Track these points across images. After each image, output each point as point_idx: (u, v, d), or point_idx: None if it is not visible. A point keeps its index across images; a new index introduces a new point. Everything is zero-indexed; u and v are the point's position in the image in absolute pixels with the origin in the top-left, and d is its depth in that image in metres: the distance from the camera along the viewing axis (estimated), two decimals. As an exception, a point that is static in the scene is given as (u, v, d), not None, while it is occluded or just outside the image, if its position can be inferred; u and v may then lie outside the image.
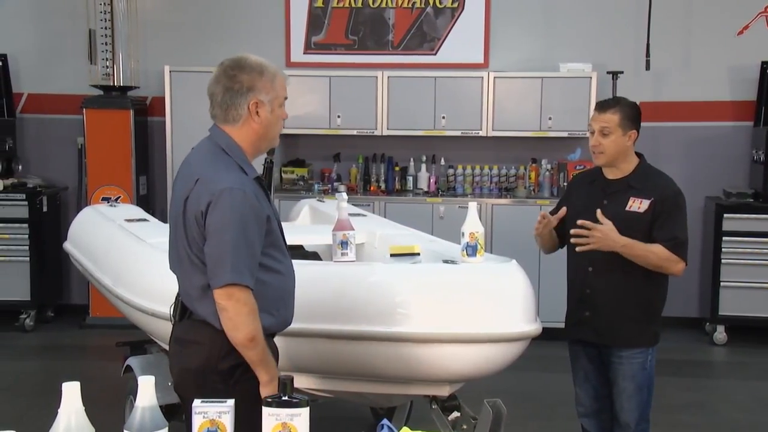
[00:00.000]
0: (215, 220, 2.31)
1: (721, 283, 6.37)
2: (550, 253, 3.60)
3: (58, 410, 1.65)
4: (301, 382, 3.13)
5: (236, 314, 2.30)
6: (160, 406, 1.75)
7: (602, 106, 3.29)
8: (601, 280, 3.28)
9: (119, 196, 6.56)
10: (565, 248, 3.52)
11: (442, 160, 6.88)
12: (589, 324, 3.33)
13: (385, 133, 6.62)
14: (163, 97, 6.67)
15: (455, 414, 3.13)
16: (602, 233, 3.14)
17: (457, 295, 3.02)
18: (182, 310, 2.51)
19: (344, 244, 3.48)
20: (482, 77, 6.52)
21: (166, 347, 2.82)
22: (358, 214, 4.56)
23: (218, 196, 2.31)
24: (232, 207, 2.30)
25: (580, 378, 3.46)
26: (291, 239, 3.03)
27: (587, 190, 3.40)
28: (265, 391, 2.33)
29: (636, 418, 3.29)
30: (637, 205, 3.21)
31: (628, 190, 3.26)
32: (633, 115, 3.27)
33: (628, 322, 3.27)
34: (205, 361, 2.39)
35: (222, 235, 2.31)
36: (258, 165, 2.57)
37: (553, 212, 3.55)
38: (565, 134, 6.52)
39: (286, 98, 2.52)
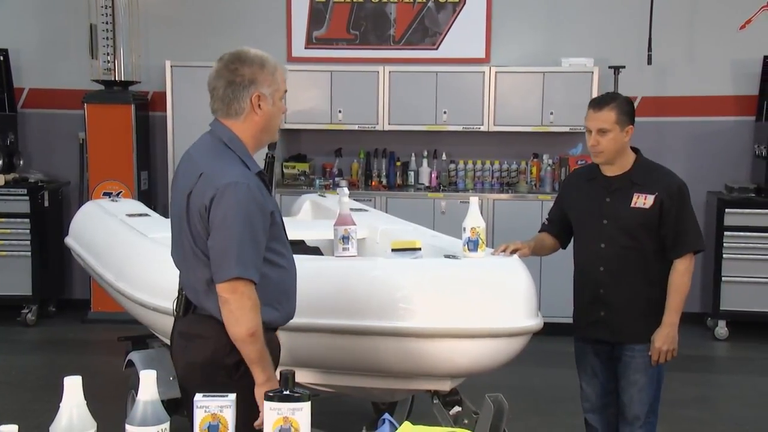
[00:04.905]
0: (219, 214, 2.31)
1: (723, 278, 6.37)
2: (550, 253, 3.60)
3: (60, 404, 1.65)
4: (302, 376, 3.13)
5: (238, 308, 2.29)
6: (162, 401, 1.75)
7: (597, 104, 3.23)
8: (614, 278, 3.26)
9: (121, 191, 6.57)
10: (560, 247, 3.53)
11: (444, 155, 6.87)
12: (604, 323, 3.30)
13: (387, 128, 6.61)
14: (165, 92, 6.67)
15: (457, 409, 3.14)
16: (662, 344, 3.21)
17: (458, 290, 3.02)
18: (186, 305, 2.50)
19: (345, 239, 3.48)
20: (484, 72, 6.51)
21: (168, 342, 2.82)
22: (360, 209, 4.56)
23: (222, 191, 2.30)
24: (236, 201, 2.30)
25: (587, 374, 3.44)
26: (292, 234, 3.03)
27: (586, 188, 3.36)
28: (261, 391, 2.28)
29: (645, 411, 3.29)
30: (642, 201, 3.19)
31: (630, 186, 3.23)
32: (629, 110, 3.24)
33: (643, 318, 3.26)
34: (211, 356, 2.39)
35: (226, 229, 2.30)
36: (259, 160, 2.57)
37: (551, 211, 3.55)
38: (566, 129, 6.51)
39: (286, 91, 2.52)
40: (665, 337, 3.21)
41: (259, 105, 2.44)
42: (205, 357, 2.41)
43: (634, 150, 3.31)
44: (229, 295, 2.30)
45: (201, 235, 2.37)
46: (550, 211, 3.57)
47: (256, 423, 2.22)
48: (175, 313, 2.58)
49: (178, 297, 2.56)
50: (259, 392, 2.30)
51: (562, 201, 3.51)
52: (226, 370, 2.37)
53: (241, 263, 2.29)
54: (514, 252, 3.26)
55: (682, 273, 3.21)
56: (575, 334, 3.47)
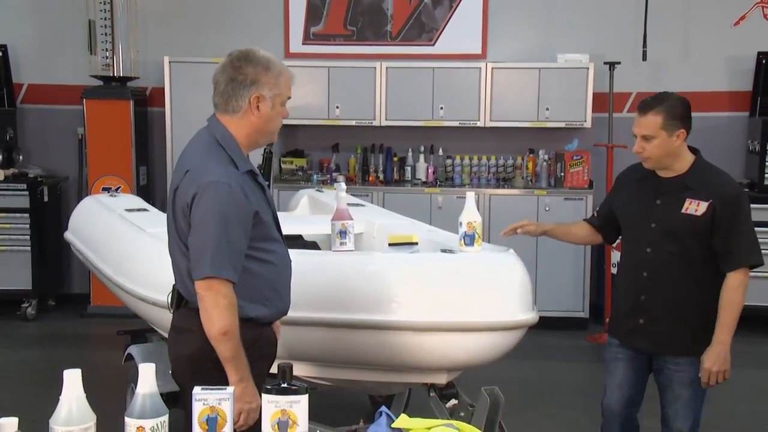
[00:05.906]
0: (199, 213, 2.33)
1: (718, 273, 6.38)
2: (582, 244, 3.55)
3: (60, 397, 1.67)
4: (299, 370, 3.16)
5: (213, 306, 2.31)
6: (161, 394, 1.77)
7: (643, 108, 3.00)
8: (657, 285, 3.06)
9: (119, 186, 6.57)
10: (545, 241, 3.50)
11: (441, 151, 6.88)
12: (643, 332, 3.10)
13: (384, 123, 6.63)
14: (163, 88, 6.68)
15: (453, 402, 3.16)
16: (712, 365, 2.99)
17: (454, 284, 3.04)
18: (178, 299, 2.53)
19: (343, 233, 3.50)
20: (480, 68, 6.53)
21: (167, 335, 2.84)
22: (357, 204, 4.58)
23: (204, 189, 2.32)
24: (216, 201, 2.32)
25: (613, 383, 3.25)
26: (290, 229, 3.06)
27: (637, 187, 3.15)
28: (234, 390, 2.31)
29: (690, 425, 3.12)
30: (694, 207, 2.98)
31: (684, 190, 3.01)
32: (680, 112, 2.99)
33: (686, 329, 3.05)
34: (199, 349, 2.40)
35: (204, 227, 2.32)
36: (257, 155, 2.59)
37: (602, 204, 3.41)
38: (562, 125, 6.54)
39: (289, 97, 2.53)
40: (716, 356, 2.98)
41: (258, 106, 2.45)
42: (192, 350, 2.42)
43: (693, 150, 3.10)
44: (204, 292, 2.32)
45: (184, 231, 2.40)
46: (601, 203, 3.42)
47: None
48: (169, 307, 2.61)
49: (171, 291, 2.59)
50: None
51: (612, 197, 3.33)
52: (213, 363, 2.37)
53: (215, 263, 2.30)
54: (518, 229, 3.26)
55: (733, 289, 2.98)
56: (610, 339, 3.28)
